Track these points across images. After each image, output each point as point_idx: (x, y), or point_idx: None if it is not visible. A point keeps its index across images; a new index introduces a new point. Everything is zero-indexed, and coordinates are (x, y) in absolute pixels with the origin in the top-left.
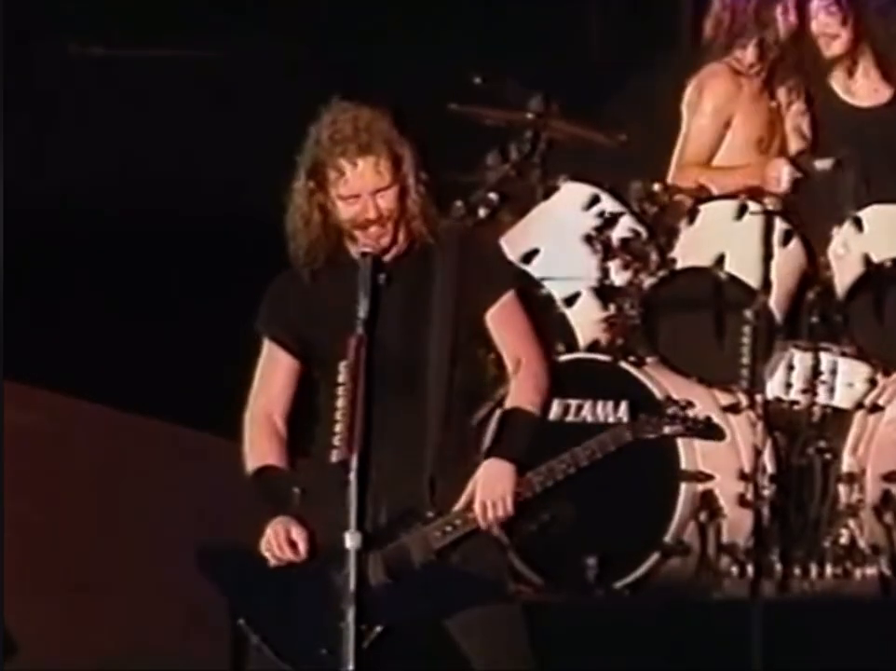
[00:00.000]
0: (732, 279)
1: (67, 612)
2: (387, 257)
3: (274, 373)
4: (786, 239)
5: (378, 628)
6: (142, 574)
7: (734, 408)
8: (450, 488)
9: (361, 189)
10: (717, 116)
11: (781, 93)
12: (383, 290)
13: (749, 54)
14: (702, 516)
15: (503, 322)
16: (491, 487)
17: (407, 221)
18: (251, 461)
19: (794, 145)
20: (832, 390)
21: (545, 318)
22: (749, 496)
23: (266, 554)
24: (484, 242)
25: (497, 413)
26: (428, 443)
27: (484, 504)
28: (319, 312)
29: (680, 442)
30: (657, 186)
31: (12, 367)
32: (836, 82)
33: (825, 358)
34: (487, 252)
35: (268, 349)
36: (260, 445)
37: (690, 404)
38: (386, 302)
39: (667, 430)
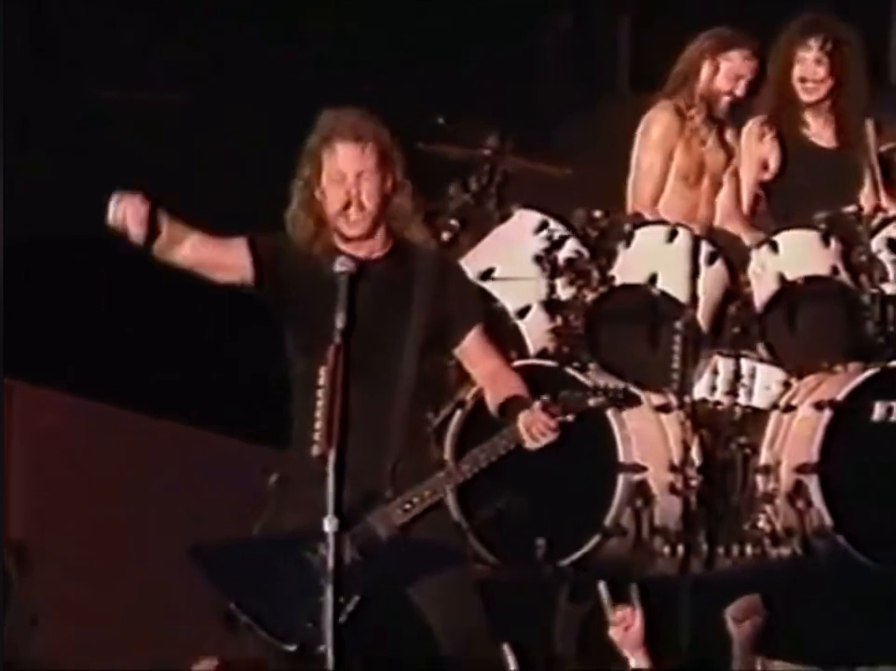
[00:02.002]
0: (664, 294)
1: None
2: (367, 255)
3: (230, 251)
4: (711, 260)
5: (355, 600)
6: (147, 565)
7: (665, 408)
8: (408, 474)
9: (347, 168)
10: (663, 151)
11: (730, 134)
12: (359, 288)
13: (694, 96)
14: (638, 503)
15: (477, 353)
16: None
17: (388, 222)
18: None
19: (759, 175)
20: (751, 392)
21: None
22: (678, 485)
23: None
24: (461, 276)
25: (459, 414)
26: (392, 433)
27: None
28: (301, 264)
29: (618, 437)
30: (598, 213)
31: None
32: (808, 122)
33: (745, 364)
34: (462, 287)
35: (240, 241)
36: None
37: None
38: (361, 301)
39: (591, 402)
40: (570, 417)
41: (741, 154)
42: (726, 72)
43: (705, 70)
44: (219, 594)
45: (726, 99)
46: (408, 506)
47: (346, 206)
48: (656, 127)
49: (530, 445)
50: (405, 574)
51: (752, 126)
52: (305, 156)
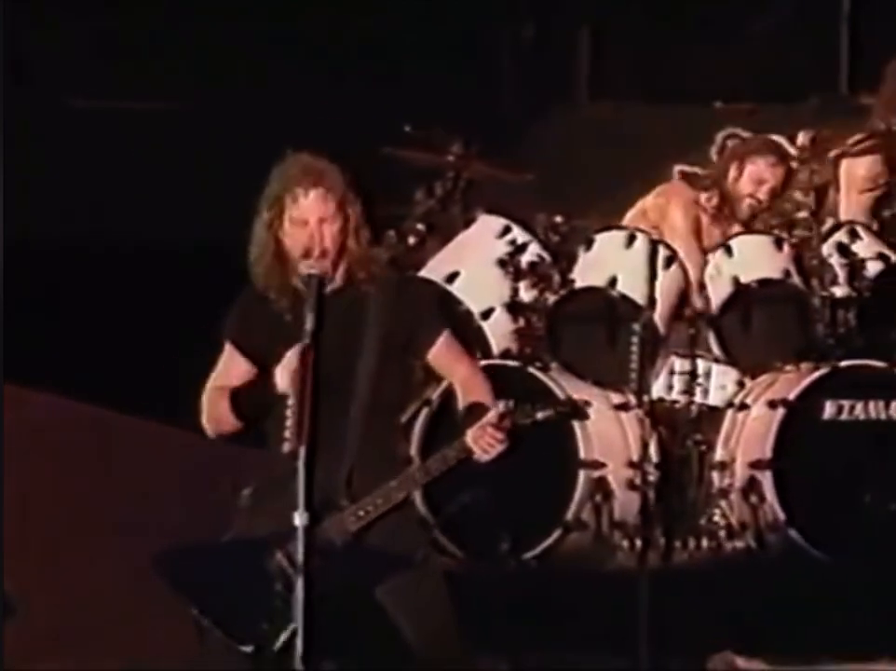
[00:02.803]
0: (623, 297)
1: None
2: (327, 288)
3: (231, 372)
4: (668, 264)
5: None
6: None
7: (624, 406)
8: (365, 482)
9: (310, 215)
10: (691, 232)
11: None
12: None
13: (714, 197)
14: (598, 498)
15: (446, 359)
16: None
17: (347, 261)
18: (212, 425)
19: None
20: (707, 391)
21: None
22: (637, 481)
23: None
24: (419, 291)
25: (426, 412)
26: (350, 443)
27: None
28: (276, 326)
29: (579, 435)
30: (559, 219)
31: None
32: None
33: (701, 364)
34: (421, 300)
35: (228, 353)
36: (221, 407)
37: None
38: (325, 321)
39: (539, 415)
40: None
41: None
42: (750, 175)
43: (731, 172)
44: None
45: (748, 201)
46: (361, 513)
47: (308, 250)
48: (678, 212)
49: (479, 457)
50: (360, 579)
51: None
52: (266, 200)
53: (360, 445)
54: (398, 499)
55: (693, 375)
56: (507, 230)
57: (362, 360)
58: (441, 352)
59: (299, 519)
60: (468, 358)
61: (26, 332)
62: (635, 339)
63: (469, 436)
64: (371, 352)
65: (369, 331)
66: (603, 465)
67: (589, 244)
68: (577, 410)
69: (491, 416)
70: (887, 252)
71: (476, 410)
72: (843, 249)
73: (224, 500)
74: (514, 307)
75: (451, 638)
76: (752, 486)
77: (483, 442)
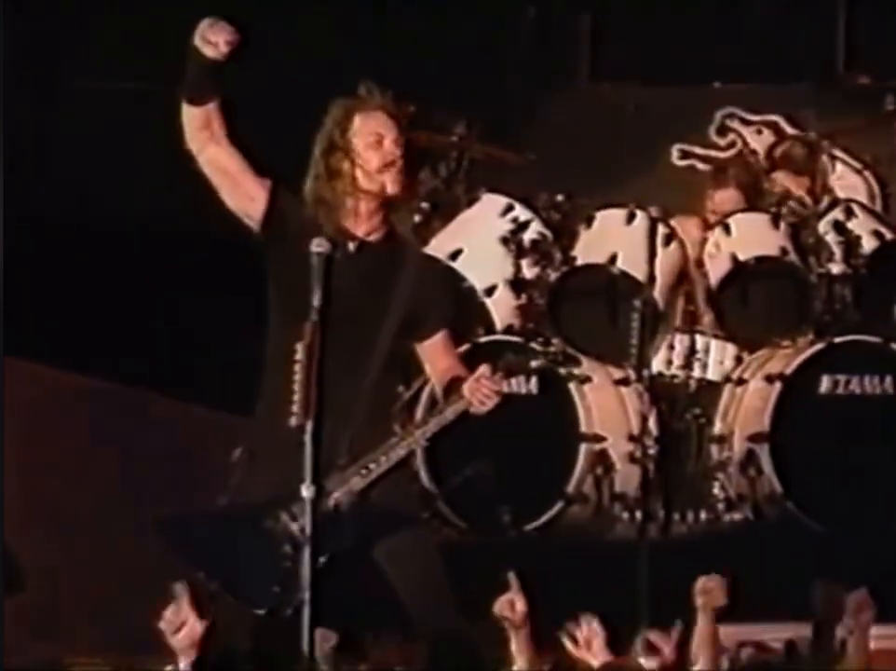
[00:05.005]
0: (623, 273)
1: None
2: (365, 234)
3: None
4: (667, 241)
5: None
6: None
7: (624, 381)
8: (366, 444)
9: (387, 132)
10: None
11: None
12: (349, 264)
13: None
14: (598, 471)
15: (437, 352)
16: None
17: (388, 212)
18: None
19: None
20: (705, 366)
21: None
22: (637, 454)
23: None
24: (442, 280)
25: (427, 389)
26: (357, 406)
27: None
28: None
29: (580, 408)
30: (560, 197)
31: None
32: None
33: (700, 339)
34: (441, 290)
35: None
36: None
37: (549, 342)
38: (349, 279)
39: (533, 364)
40: (514, 381)
41: None
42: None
43: None
44: (186, 564)
45: None
46: (364, 471)
47: (387, 164)
48: None
49: (476, 410)
50: (363, 538)
51: None
52: (333, 128)
53: (368, 409)
54: (399, 456)
55: (692, 350)
56: (509, 208)
57: (381, 328)
58: (436, 345)
59: (306, 492)
60: (458, 357)
61: (30, 308)
62: (635, 315)
63: (466, 389)
64: (389, 323)
65: (391, 302)
66: (603, 438)
67: (589, 222)
68: (569, 358)
69: (484, 369)
70: (882, 229)
71: (458, 381)
72: (839, 226)
73: (220, 468)
74: (517, 283)
75: (444, 601)
76: (749, 459)
77: (480, 394)
